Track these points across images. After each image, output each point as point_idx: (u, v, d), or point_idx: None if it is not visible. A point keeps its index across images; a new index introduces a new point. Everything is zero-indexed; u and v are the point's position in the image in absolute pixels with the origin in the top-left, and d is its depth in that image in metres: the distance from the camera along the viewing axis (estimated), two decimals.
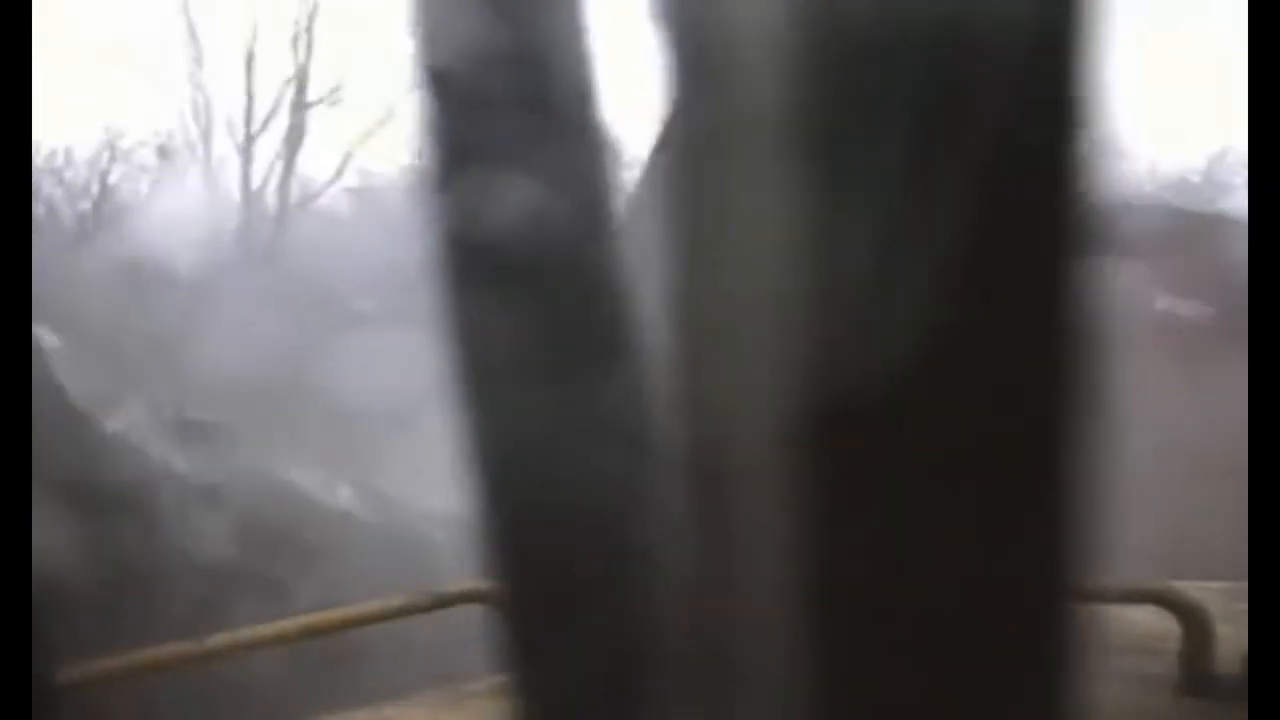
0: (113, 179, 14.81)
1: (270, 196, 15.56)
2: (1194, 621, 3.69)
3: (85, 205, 14.55)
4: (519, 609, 0.86)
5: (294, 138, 15.49)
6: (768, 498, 0.65)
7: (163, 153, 15.05)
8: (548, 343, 0.83)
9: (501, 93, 0.83)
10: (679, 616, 0.71)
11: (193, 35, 15.26)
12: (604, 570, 0.82)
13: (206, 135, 15.47)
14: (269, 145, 15.59)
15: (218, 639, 3.44)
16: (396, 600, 3.66)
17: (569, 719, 0.87)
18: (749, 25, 0.63)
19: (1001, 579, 0.68)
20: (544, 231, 0.83)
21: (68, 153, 14.45)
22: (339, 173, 15.50)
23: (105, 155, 14.79)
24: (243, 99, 15.46)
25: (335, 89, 15.44)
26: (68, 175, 14.59)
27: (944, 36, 0.62)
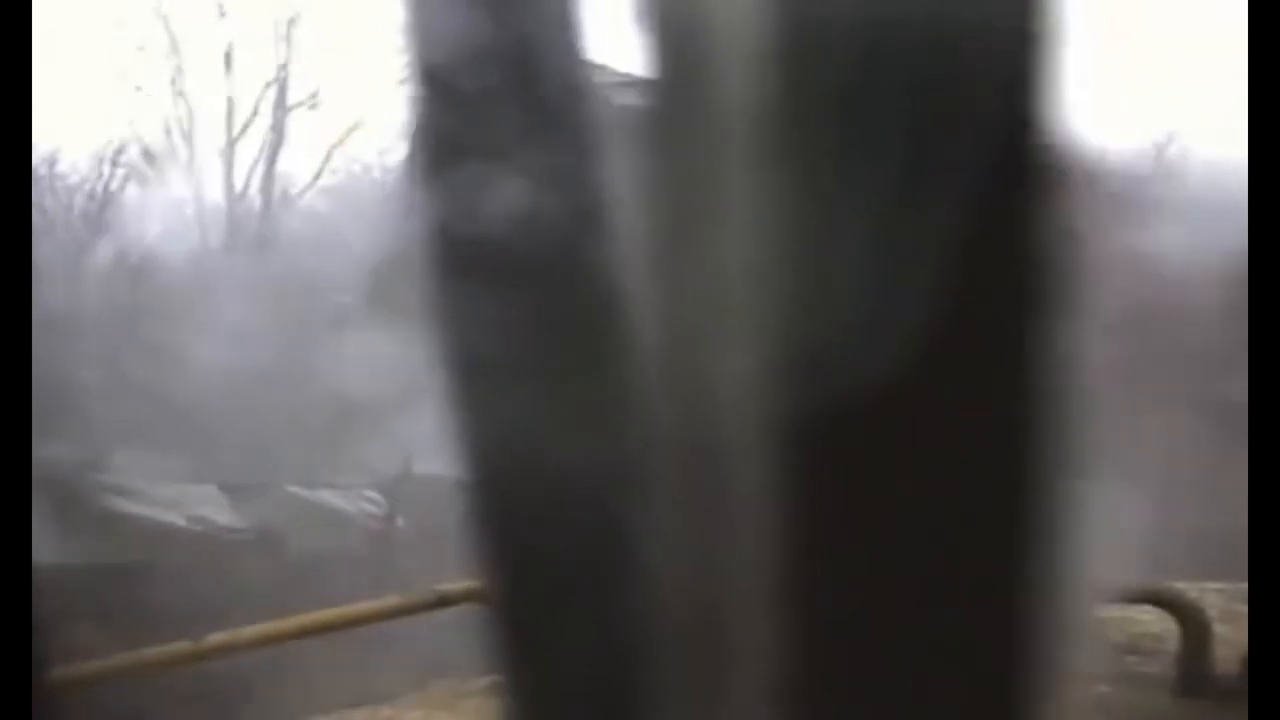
0: (107, 185, 14.87)
1: (254, 196, 15.73)
2: (1192, 622, 3.69)
3: (78, 215, 14.59)
4: (511, 605, 0.86)
5: (275, 141, 15.68)
6: (759, 493, 0.66)
7: (148, 158, 15.16)
8: (538, 338, 0.83)
9: (492, 88, 0.83)
10: (671, 611, 0.71)
11: (174, 45, 15.38)
12: (597, 565, 0.82)
13: (190, 140, 15.62)
14: (250, 148, 15.76)
15: (215, 638, 3.44)
16: (396, 600, 3.66)
17: (562, 716, 0.86)
18: (731, 24, 0.64)
19: (994, 576, 0.68)
20: (534, 227, 0.83)
21: (53, 160, 14.47)
22: (319, 173, 15.67)
23: (102, 162, 14.86)
24: (223, 105, 15.62)
25: (314, 93, 15.62)
26: (59, 184, 14.63)
27: (927, 36, 0.62)
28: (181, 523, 8.61)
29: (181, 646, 3.43)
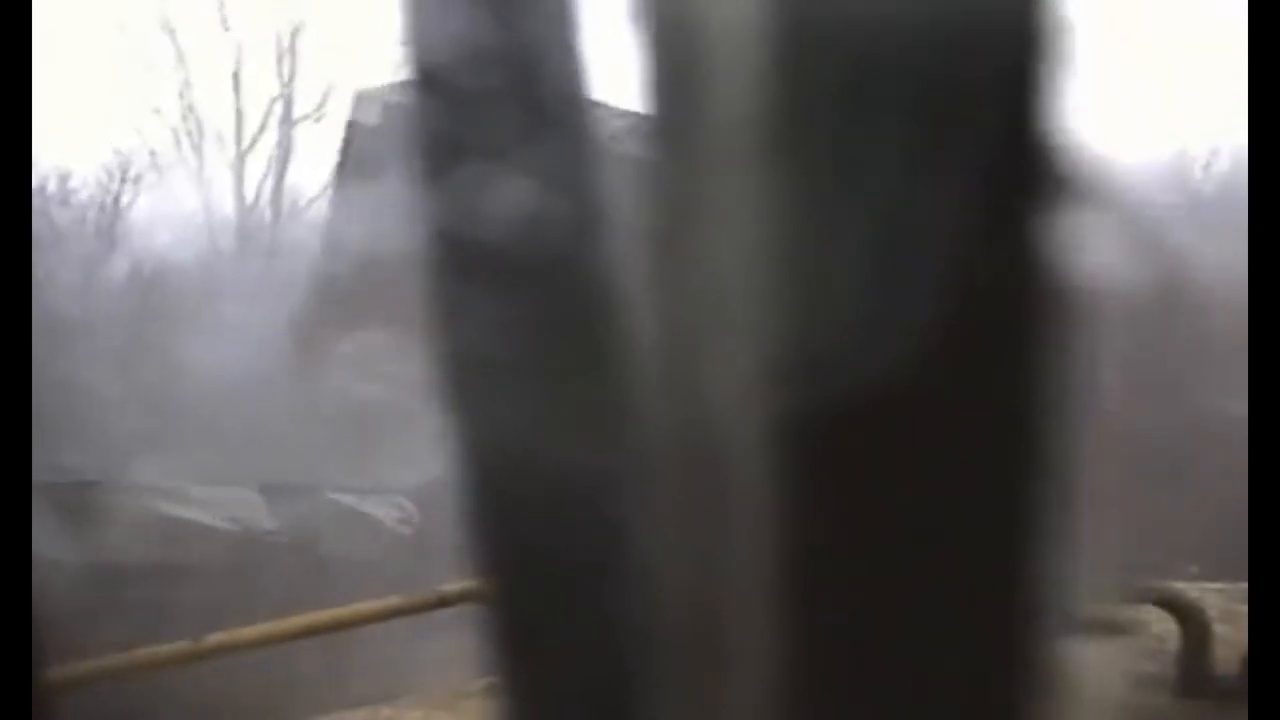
0: (121, 199, 15.01)
1: (264, 208, 15.94)
2: (1192, 622, 3.70)
3: (91, 228, 14.71)
4: (509, 605, 0.86)
5: (282, 153, 15.88)
6: (759, 493, 0.66)
7: (157, 170, 15.30)
8: (537, 339, 0.83)
9: (491, 90, 0.83)
10: (670, 611, 0.71)
11: (180, 58, 15.51)
12: (595, 566, 0.82)
13: (199, 153, 15.78)
14: (259, 161, 15.95)
15: (215, 638, 3.44)
16: (397, 600, 3.67)
17: (560, 717, 0.86)
18: (730, 23, 0.64)
19: (994, 576, 0.68)
20: (533, 229, 0.83)
21: (65, 176, 14.58)
22: (327, 184, 15.85)
23: (112, 177, 14.98)
24: (231, 118, 15.79)
25: (320, 103, 15.78)
26: (72, 198, 14.77)
27: (928, 36, 0.62)
28: (220, 524, 8.77)
29: (181, 646, 3.43)
